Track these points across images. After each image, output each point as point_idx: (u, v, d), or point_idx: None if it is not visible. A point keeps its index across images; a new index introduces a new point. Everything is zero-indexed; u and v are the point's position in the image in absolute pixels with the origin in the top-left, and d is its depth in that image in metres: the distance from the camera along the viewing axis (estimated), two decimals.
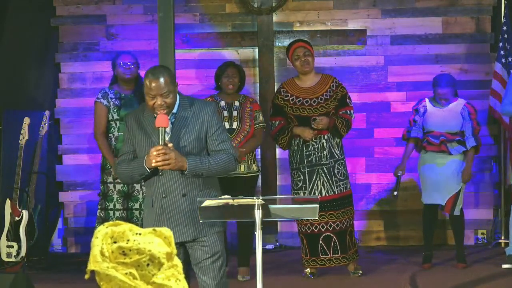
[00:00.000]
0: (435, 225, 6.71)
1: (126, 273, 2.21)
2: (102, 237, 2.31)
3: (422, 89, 7.43)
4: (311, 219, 6.03)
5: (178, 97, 4.15)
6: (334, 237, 6.10)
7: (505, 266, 6.41)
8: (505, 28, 7.42)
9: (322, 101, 6.14)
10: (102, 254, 2.27)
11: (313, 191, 6.09)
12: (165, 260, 2.29)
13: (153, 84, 4.01)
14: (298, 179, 6.18)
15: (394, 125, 7.71)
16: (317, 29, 7.77)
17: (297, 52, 6.18)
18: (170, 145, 3.99)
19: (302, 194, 6.10)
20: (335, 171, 6.12)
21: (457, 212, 6.45)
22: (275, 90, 7.67)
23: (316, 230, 6.11)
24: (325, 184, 6.09)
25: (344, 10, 7.83)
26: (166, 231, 2.35)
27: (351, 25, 7.82)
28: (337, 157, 6.16)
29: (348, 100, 6.23)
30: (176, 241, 3.97)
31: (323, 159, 6.11)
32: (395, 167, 6.60)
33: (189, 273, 4.21)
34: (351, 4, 7.83)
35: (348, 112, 6.20)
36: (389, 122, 7.76)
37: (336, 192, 6.10)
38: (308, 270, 6.22)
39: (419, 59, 7.79)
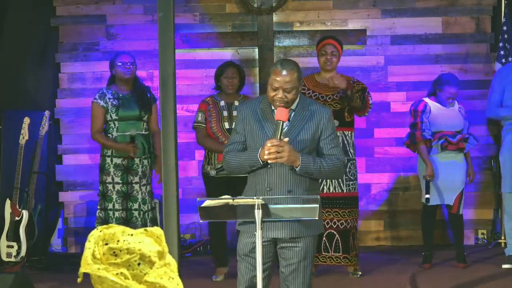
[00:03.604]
0: (435, 225, 6.70)
1: (117, 273, 2.21)
2: (95, 240, 2.31)
3: (422, 89, 7.41)
4: None
5: (299, 95, 4.08)
6: (337, 235, 6.10)
7: (505, 266, 6.42)
8: (505, 28, 7.42)
9: (337, 98, 6.14)
10: (93, 256, 2.27)
11: (321, 186, 6.08)
12: (157, 259, 2.29)
13: (279, 77, 3.96)
14: None
15: (394, 125, 7.71)
16: (317, 29, 7.77)
17: (326, 48, 6.18)
18: (286, 139, 3.92)
19: None
20: (346, 170, 6.10)
21: (461, 211, 6.46)
22: None
23: None
24: (333, 181, 6.08)
25: (344, 10, 7.84)
26: (157, 230, 2.36)
27: (351, 25, 7.82)
28: (350, 156, 6.15)
29: (367, 93, 6.18)
30: (270, 237, 3.96)
31: None
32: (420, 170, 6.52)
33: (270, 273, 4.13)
34: (351, 4, 7.83)
35: (367, 94, 6.16)
36: (389, 122, 7.75)
37: (345, 191, 6.11)
38: None
39: (419, 59, 7.79)
